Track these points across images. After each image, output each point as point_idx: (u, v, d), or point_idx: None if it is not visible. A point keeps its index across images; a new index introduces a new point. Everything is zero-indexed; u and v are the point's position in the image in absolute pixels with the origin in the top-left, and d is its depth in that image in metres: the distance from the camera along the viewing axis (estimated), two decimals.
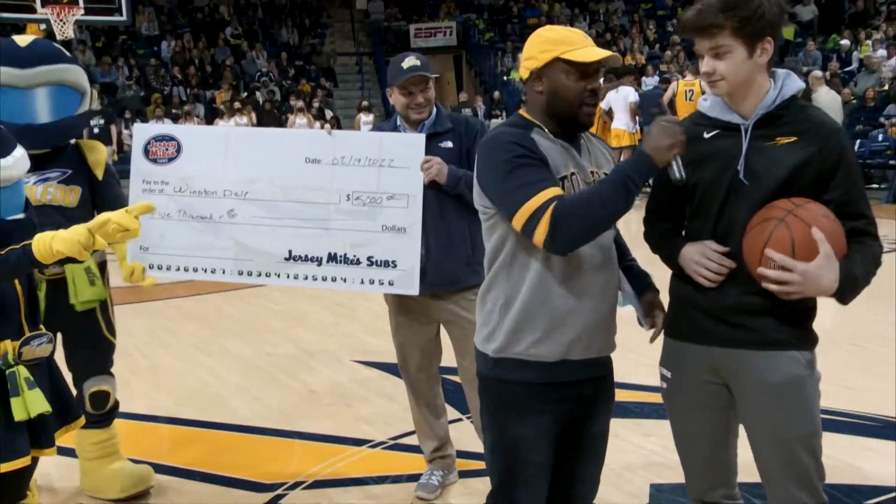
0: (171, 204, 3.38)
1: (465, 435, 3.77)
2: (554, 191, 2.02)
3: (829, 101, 11.33)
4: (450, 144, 3.19)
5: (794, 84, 2.13)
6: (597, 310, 2.16)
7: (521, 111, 2.25)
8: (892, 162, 12.09)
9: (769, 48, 2.06)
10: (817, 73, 12.17)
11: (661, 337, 2.34)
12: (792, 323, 2.12)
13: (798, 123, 2.09)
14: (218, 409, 4.61)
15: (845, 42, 16.92)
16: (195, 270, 3.41)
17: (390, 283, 3.24)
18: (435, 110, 3.25)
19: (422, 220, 3.18)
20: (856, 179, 2.10)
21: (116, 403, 3.56)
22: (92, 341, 3.43)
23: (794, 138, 2.07)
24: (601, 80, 2.14)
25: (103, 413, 3.48)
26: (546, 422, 2.17)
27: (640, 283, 2.32)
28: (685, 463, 2.37)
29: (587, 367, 2.19)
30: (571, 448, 2.27)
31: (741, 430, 2.28)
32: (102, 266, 3.45)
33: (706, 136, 2.18)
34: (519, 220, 2.03)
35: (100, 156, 3.36)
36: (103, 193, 3.39)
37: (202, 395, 4.86)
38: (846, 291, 2.02)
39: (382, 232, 3.22)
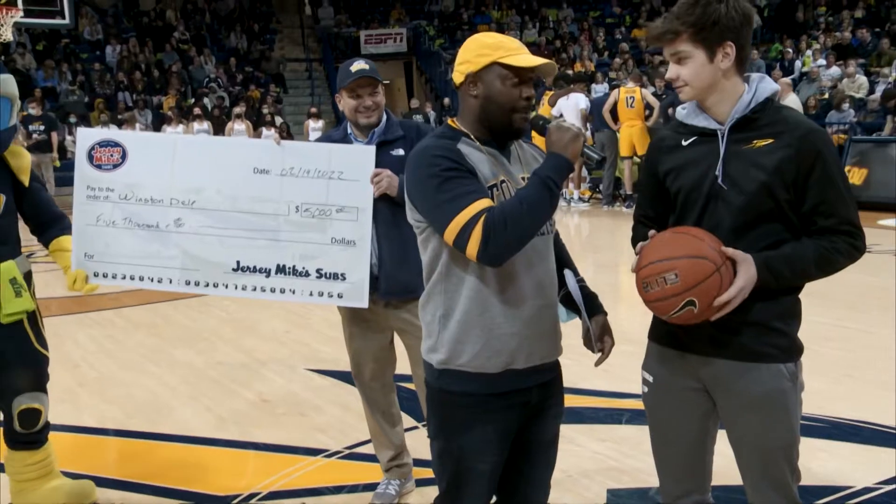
0: (117, 211, 3.32)
1: (422, 443, 3.74)
2: (483, 203, 2.01)
3: (797, 108, 11.44)
4: (401, 152, 3.17)
5: (769, 86, 2.13)
6: (537, 317, 2.16)
7: (450, 120, 2.24)
8: None
9: (731, 52, 2.07)
10: (785, 79, 12.28)
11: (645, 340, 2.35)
12: (776, 335, 2.13)
13: (774, 125, 2.09)
14: (168, 421, 4.52)
15: (789, 51, 17.36)
16: (141, 279, 3.35)
17: (339, 296, 3.23)
18: (385, 117, 3.23)
19: (374, 228, 3.17)
20: (833, 180, 2.06)
21: (48, 422, 3.39)
22: (22, 356, 3.25)
23: (770, 140, 2.07)
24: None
25: (34, 432, 3.32)
26: (492, 431, 2.16)
27: (591, 306, 2.31)
28: (661, 467, 2.37)
29: (532, 374, 2.18)
30: (522, 454, 2.27)
31: (721, 434, 2.30)
32: (28, 276, 3.29)
33: (685, 143, 2.19)
34: (450, 235, 2.02)
35: (24, 162, 3.25)
36: (34, 200, 3.32)
37: (151, 406, 4.76)
38: (767, 278, 2.04)
39: (332, 244, 3.21)
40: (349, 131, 3.27)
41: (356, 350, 3.40)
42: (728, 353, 2.14)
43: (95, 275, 3.35)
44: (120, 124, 15.83)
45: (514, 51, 2.12)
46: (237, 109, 16.66)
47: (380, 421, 3.47)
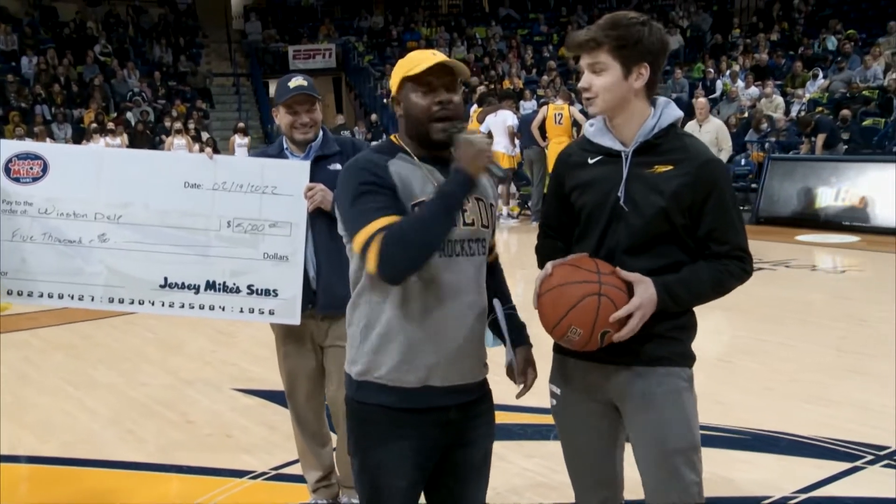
0: (36, 226, 3.22)
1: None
2: (387, 220, 2.03)
3: (722, 131, 11.46)
4: (338, 167, 3.15)
5: (673, 113, 2.22)
6: (458, 337, 2.15)
7: (392, 136, 2.26)
8: (753, 185, 12.78)
9: (645, 74, 2.15)
10: (703, 101, 12.41)
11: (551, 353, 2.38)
12: (673, 343, 2.22)
13: (675, 152, 2.18)
14: (87, 445, 4.37)
15: (710, 71, 17.88)
16: (61, 297, 3.26)
17: (271, 313, 3.19)
18: (322, 133, 3.23)
19: (313, 241, 3.15)
20: (727, 208, 2.18)
21: None
22: None
23: (670, 167, 2.16)
24: (455, 97, 2.15)
25: None
26: (408, 447, 2.15)
27: (517, 336, 2.32)
28: (574, 478, 2.41)
29: (451, 393, 2.17)
30: (453, 476, 2.27)
31: (628, 446, 2.34)
32: None
33: (590, 161, 2.25)
34: (357, 249, 2.07)
35: None
36: None
37: (70, 431, 4.60)
38: (667, 301, 2.13)
39: (264, 260, 3.17)
40: (285, 146, 3.25)
41: (290, 369, 3.35)
42: (627, 359, 2.21)
43: (10, 293, 3.24)
44: (34, 138, 15.31)
45: (417, 62, 2.14)
46: (177, 125, 16.35)
47: (309, 441, 3.43)
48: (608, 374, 2.25)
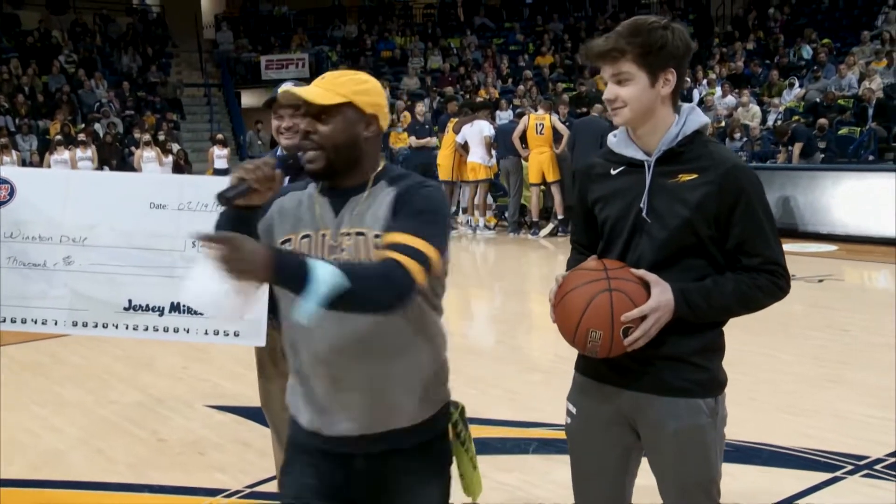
0: (2, 250, 3.17)
1: None
2: None
3: None
4: None
5: (698, 119, 2.11)
6: (339, 385, 1.93)
7: None
8: None
9: (672, 79, 2.05)
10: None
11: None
12: (695, 370, 2.12)
13: (699, 160, 2.07)
14: (54, 466, 4.25)
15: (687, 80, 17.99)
16: (24, 322, 3.23)
17: (236, 335, 3.17)
18: None
19: None
20: (756, 218, 2.04)
21: None
22: None
23: (695, 175, 2.05)
24: (294, 120, 1.98)
25: None
26: (310, 475, 1.99)
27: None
28: (580, 500, 2.34)
29: (346, 443, 1.95)
30: None
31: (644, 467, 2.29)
32: None
33: (613, 172, 2.17)
34: None
35: None
36: None
37: (35, 451, 4.47)
38: (684, 309, 2.03)
39: None
40: (279, 154, 3.20)
41: (266, 377, 3.28)
42: (647, 386, 2.12)
43: None
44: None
45: None
46: (146, 137, 16.15)
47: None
48: (627, 397, 2.16)
